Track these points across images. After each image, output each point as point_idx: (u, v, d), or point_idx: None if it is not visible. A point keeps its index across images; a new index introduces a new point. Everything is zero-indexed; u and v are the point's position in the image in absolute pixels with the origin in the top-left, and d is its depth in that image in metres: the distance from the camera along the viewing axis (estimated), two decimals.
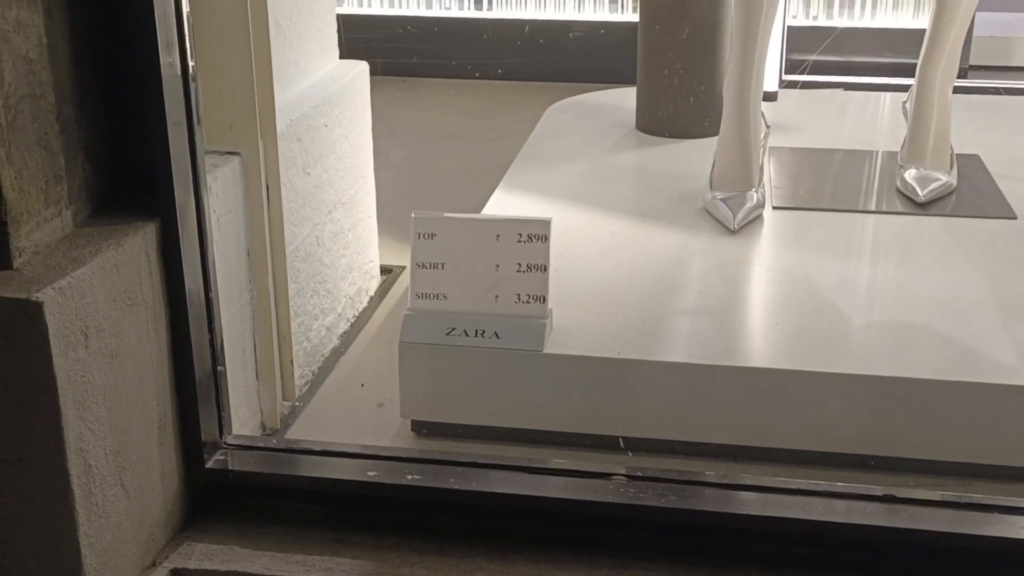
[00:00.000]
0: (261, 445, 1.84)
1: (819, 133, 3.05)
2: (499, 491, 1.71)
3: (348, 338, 2.35)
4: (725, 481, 1.72)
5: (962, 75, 3.36)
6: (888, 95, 3.32)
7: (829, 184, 2.68)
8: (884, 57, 3.93)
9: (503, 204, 2.55)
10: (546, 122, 3.19)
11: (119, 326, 1.53)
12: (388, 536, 1.71)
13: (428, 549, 1.69)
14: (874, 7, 4.04)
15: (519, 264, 1.95)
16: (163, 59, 1.56)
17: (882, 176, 2.70)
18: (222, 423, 1.78)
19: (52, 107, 1.49)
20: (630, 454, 1.95)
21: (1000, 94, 3.43)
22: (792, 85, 3.44)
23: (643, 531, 1.69)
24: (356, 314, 2.42)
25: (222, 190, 1.81)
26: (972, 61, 3.85)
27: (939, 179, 2.57)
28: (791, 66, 3.54)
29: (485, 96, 4.05)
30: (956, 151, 2.64)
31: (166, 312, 1.64)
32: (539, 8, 4.19)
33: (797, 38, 3.75)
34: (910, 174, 2.58)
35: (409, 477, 1.74)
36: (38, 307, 1.38)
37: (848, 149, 2.90)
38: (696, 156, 2.80)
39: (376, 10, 4.28)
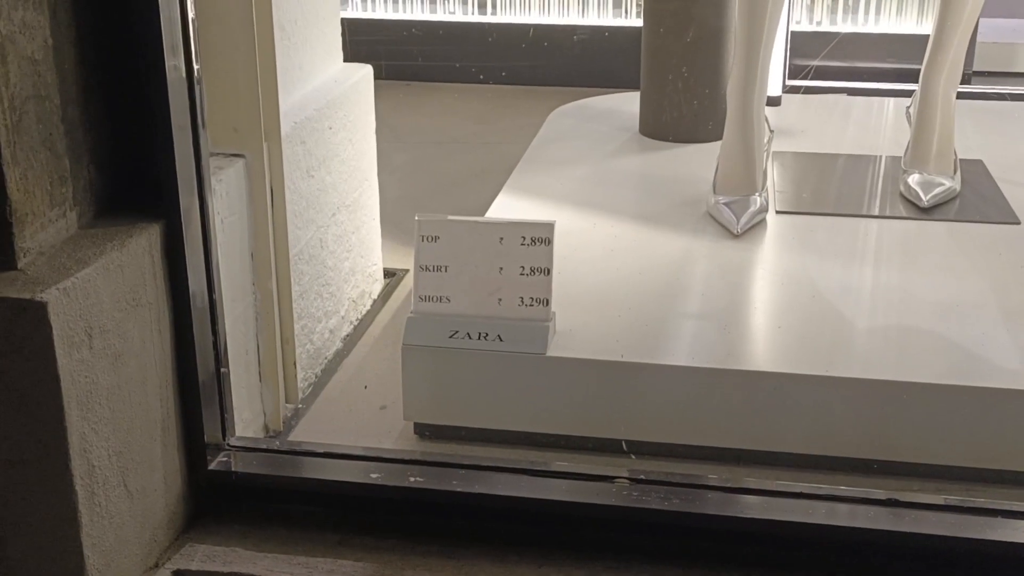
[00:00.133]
0: (264, 447, 1.84)
1: (822, 138, 3.05)
2: (502, 494, 1.72)
3: (351, 341, 2.35)
4: (728, 485, 1.72)
5: (966, 81, 3.37)
6: (891, 100, 3.32)
7: (832, 189, 2.69)
8: (887, 62, 3.94)
9: (507, 207, 2.55)
10: (550, 126, 3.19)
11: (123, 327, 1.53)
12: (391, 538, 1.72)
13: (431, 551, 1.69)
14: (878, 12, 4.04)
15: (523, 267, 1.95)
16: (168, 62, 1.56)
17: (885, 181, 2.70)
18: (225, 425, 1.78)
19: (57, 108, 1.49)
20: (633, 457, 1.95)
21: (1004, 99, 3.44)
22: (795, 90, 3.44)
23: (646, 534, 1.69)
24: (359, 317, 2.43)
25: (226, 192, 1.81)
26: (976, 67, 3.85)
27: (943, 184, 2.57)
28: (794, 71, 3.54)
29: (489, 100, 4.05)
30: (960, 156, 2.64)
31: (170, 313, 1.65)
32: (543, 12, 4.19)
33: (800, 43, 3.76)
34: (914, 179, 2.58)
35: (412, 479, 1.74)
36: (42, 307, 1.39)
37: (851, 154, 2.90)
38: (699, 160, 2.80)
39: (380, 14, 4.29)
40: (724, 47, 2.94)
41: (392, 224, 2.66)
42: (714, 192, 2.49)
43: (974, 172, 2.71)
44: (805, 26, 4.04)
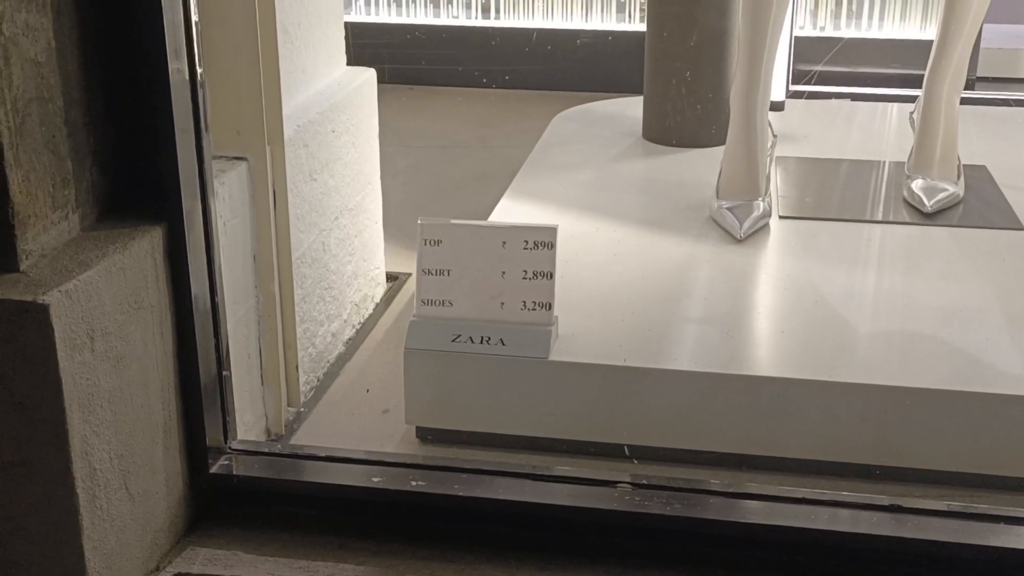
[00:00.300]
0: (266, 450, 1.84)
1: (826, 143, 3.05)
2: (503, 498, 1.71)
3: (353, 344, 2.35)
4: (730, 490, 1.72)
5: (969, 86, 3.36)
6: (895, 106, 3.32)
7: (836, 194, 2.68)
8: (891, 68, 3.93)
9: (510, 211, 2.55)
10: (553, 130, 3.19)
11: (125, 330, 1.53)
12: (392, 542, 1.71)
13: (432, 555, 1.69)
14: (881, 18, 4.04)
15: (525, 271, 1.95)
16: (172, 65, 1.56)
17: (889, 186, 2.70)
18: (227, 428, 1.78)
19: (60, 111, 1.49)
20: (635, 462, 1.95)
21: (1008, 105, 3.43)
22: (799, 95, 3.44)
23: (648, 539, 1.68)
24: (361, 320, 2.43)
25: (229, 195, 1.81)
26: (979, 73, 3.85)
27: (946, 189, 2.57)
28: (798, 76, 3.54)
29: (492, 104, 4.05)
30: (963, 162, 2.64)
31: (172, 316, 1.65)
32: (547, 16, 4.19)
33: (804, 48, 3.76)
34: (917, 184, 2.58)
35: (413, 483, 1.73)
36: (44, 310, 1.39)
37: (855, 159, 2.90)
38: (703, 165, 2.80)
39: (384, 17, 4.29)
40: (727, 52, 2.94)
41: (395, 228, 2.66)
42: (717, 197, 2.49)
43: (978, 178, 2.71)
44: (809, 31, 4.04)
